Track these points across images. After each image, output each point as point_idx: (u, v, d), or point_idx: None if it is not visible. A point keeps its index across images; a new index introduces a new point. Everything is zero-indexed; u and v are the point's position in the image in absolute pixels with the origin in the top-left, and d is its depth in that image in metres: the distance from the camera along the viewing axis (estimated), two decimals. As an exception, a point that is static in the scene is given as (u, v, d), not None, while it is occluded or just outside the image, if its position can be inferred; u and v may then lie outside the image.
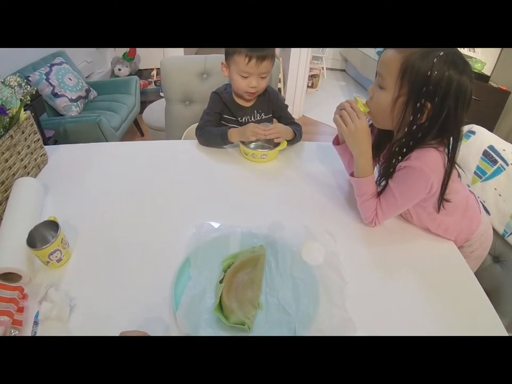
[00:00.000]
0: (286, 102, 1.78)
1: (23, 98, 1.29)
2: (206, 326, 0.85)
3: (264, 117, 1.69)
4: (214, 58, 2.06)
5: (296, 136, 1.62)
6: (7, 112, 1.21)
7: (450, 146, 1.05)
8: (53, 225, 1.03)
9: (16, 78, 1.27)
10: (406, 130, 1.06)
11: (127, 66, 4.68)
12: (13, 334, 0.85)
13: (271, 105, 1.69)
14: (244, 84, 1.53)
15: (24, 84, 1.30)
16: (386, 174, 1.16)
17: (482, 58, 3.90)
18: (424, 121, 1.03)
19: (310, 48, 4.26)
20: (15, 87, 1.26)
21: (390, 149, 1.18)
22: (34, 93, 1.36)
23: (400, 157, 1.10)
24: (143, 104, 3.71)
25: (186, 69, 2.06)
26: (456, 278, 1.07)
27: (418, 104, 1.00)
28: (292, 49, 4.16)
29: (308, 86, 5.08)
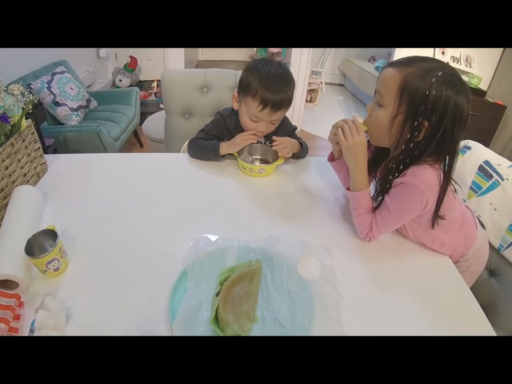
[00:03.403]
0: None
1: (25, 107, 1.30)
2: (202, 338, 0.85)
3: (270, 145, 1.60)
4: (214, 72, 2.08)
5: (303, 147, 1.61)
6: (9, 120, 1.22)
7: (446, 163, 1.07)
8: (51, 234, 1.03)
9: (19, 86, 1.28)
10: (403, 147, 1.07)
11: (128, 77, 4.72)
12: (8, 342, 0.85)
13: (280, 134, 1.57)
14: (251, 126, 1.48)
15: (26, 92, 1.31)
16: (383, 189, 1.17)
17: (479, 74, 3.96)
18: (421, 139, 1.04)
19: (309, 63, 4.29)
20: (18, 96, 1.27)
21: (386, 166, 1.19)
22: (36, 102, 1.37)
23: (396, 173, 1.11)
24: (143, 116, 3.74)
25: (187, 82, 2.07)
26: (451, 293, 1.07)
27: (415, 123, 1.02)
28: (291, 63, 4.18)
29: (306, 101, 5.12)
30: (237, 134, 1.53)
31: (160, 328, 0.89)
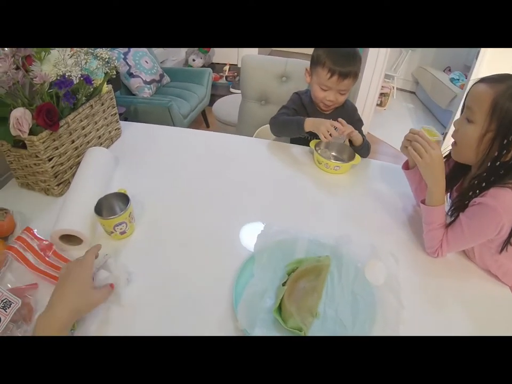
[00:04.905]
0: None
1: (109, 71, 1.32)
2: (262, 325, 0.84)
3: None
4: (295, 62, 2.06)
5: (364, 142, 1.58)
6: (92, 82, 1.25)
7: None
8: (122, 198, 1.05)
9: (107, 52, 1.30)
10: (489, 165, 1.03)
11: (201, 58, 4.78)
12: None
13: (348, 119, 1.57)
14: (321, 95, 1.58)
15: (114, 58, 1.33)
16: (460, 206, 1.12)
17: None
18: (509, 159, 1.00)
19: (385, 65, 4.18)
20: (103, 60, 1.30)
21: (463, 183, 1.16)
22: (119, 69, 1.39)
23: (478, 190, 1.06)
24: (212, 97, 3.80)
25: (267, 69, 2.06)
26: (506, 325, 1.01)
27: (505, 141, 0.98)
28: (367, 64, 4.09)
29: (377, 104, 5.00)
30: (311, 109, 1.67)
31: (220, 309, 0.89)
